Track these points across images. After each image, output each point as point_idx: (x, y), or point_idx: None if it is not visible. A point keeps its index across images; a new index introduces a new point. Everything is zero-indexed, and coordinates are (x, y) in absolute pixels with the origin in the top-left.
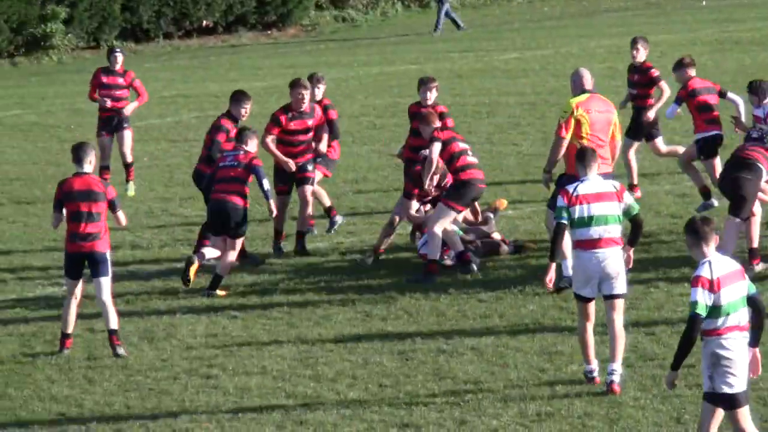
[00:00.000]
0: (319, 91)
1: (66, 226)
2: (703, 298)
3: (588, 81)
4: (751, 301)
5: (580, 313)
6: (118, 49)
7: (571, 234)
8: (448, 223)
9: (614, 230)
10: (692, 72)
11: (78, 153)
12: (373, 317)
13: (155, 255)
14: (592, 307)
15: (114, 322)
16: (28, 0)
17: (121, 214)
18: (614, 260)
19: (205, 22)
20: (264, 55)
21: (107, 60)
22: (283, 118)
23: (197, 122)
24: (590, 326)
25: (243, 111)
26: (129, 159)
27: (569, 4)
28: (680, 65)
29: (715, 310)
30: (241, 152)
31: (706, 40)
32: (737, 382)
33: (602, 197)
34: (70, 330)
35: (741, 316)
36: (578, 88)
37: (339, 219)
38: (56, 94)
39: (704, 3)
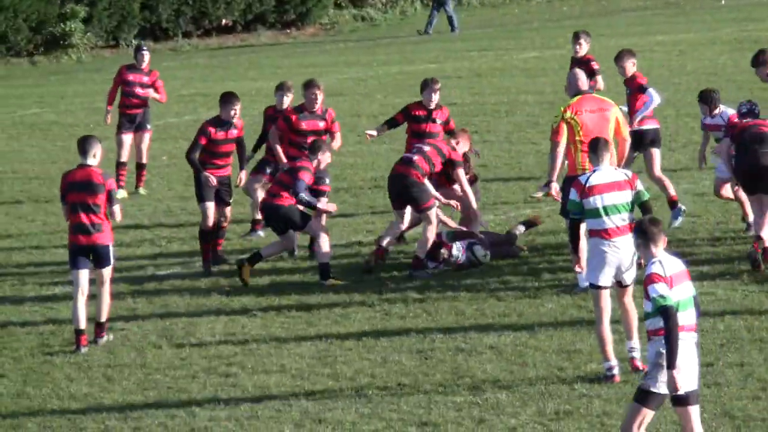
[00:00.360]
0: (287, 100)
1: (69, 219)
2: (666, 291)
3: (583, 82)
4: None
5: (596, 306)
6: (145, 48)
7: (586, 224)
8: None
9: (627, 218)
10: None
11: (83, 145)
12: (392, 316)
13: (174, 252)
14: (607, 297)
15: (104, 315)
16: (48, 0)
17: (116, 209)
18: (629, 248)
19: (224, 21)
20: (283, 54)
21: (134, 57)
22: (293, 118)
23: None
24: (607, 320)
25: (232, 113)
26: (144, 160)
27: (588, 4)
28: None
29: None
30: (300, 160)
31: (725, 39)
32: (685, 383)
33: (615, 186)
34: (82, 326)
35: (689, 315)
36: (573, 90)
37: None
38: (75, 93)
39: (723, 2)
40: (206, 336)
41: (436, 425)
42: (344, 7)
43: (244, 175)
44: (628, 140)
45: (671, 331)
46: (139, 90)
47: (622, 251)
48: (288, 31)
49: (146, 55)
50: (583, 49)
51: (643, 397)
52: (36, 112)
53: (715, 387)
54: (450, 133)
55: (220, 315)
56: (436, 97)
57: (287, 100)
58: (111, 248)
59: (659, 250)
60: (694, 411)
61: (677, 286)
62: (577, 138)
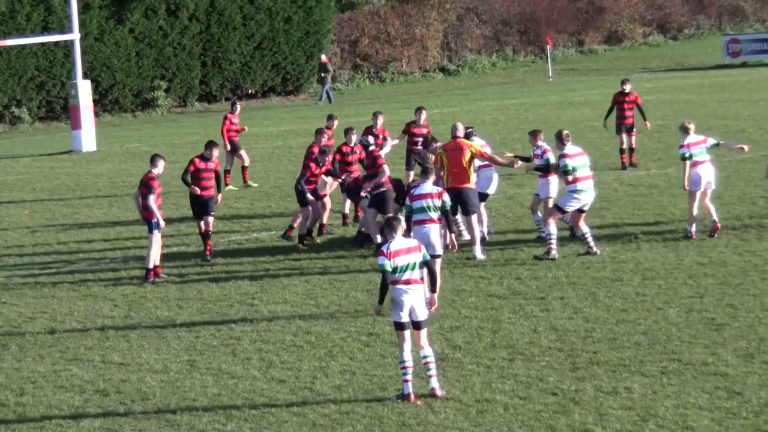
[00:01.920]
0: (353, 138)
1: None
2: (382, 258)
3: (459, 130)
4: (425, 264)
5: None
6: (237, 101)
7: (413, 217)
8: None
9: (435, 215)
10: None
11: (154, 159)
12: (351, 268)
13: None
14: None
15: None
16: (143, 77)
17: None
18: (436, 232)
19: (250, 90)
20: (285, 111)
21: (231, 107)
22: (345, 149)
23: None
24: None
25: (214, 155)
26: (246, 163)
27: (470, 79)
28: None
29: (395, 269)
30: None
31: (552, 102)
32: (404, 316)
33: (429, 195)
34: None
35: (411, 274)
36: (452, 135)
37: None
38: (160, 135)
39: (551, 79)
40: (239, 280)
41: (378, 335)
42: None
43: (220, 198)
44: (483, 162)
45: (383, 282)
46: (236, 127)
47: (431, 233)
48: (289, 97)
49: (238, 106)
50: (423, 117)
51: (396, 326)
52: (136, 145)
53: (545, 312)
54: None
55: (243, 272)
56: (423, 116)
57: (353, 138)
58: (152, 221)
59: (398, 234)
60: (424, 332)
61: (400, 257)
62: (445, 166)
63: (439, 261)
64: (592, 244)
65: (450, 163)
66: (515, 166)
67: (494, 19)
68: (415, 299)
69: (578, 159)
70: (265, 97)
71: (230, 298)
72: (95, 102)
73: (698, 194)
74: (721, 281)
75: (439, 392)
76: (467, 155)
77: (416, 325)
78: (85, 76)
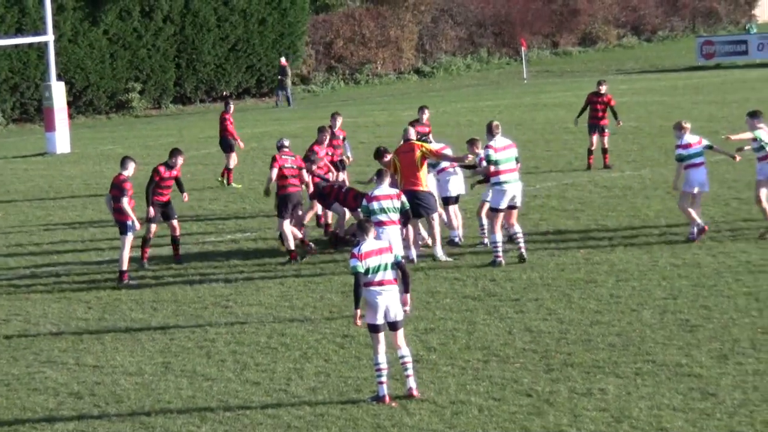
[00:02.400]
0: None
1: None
2: (353, 261)
3: (410, 134)
4: (398, 266)
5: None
6: (231, 102)
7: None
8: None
9: (394, 216)
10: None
11: (124, 162)
12: (325, 271)
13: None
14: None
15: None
16: (117, 78)
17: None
18: (396, 233)
19: (225, 92)
20: (260, 113)
21: (225, 107)
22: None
23: (218, 153)
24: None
25: (179, 162)
26: (231, 166)
27: (445, 81)
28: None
29: (367, 271)
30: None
31: (526, 103)
32: (379, 318)
33: (389, 197)
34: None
35: (384, 275)
36: (403, 138)
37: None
38: (134, 137)
39: (526, 81)
40: (214, 283)
41: (353, 337)
42: (296, 84)
43: (186, 196)
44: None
45: (355, 286)
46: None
47: (388, 232)
48: (264, 98)
49: (232, 106)
50: (426, 115)
51: (370, 328)
52: (110, 147)
53: (519, 314)
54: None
55: (218, 274)
56: (426, 115)
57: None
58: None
59: (370, 236)
60: (400, 333)
61: (370, 258)
62: (399, 169)
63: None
64: (521, 245)
65: (402, 166)
66: (479, 165)
67: (469, 21)
68: (389, 300)
69: (504, 152)
70: (240, 98)
71: (204, 300)
72: (69, 104)
73: (691, 195)
74: (695, 283)
75: (415, 392)
76: (417, 155)
77: (392, 326)
78: (59, 77)
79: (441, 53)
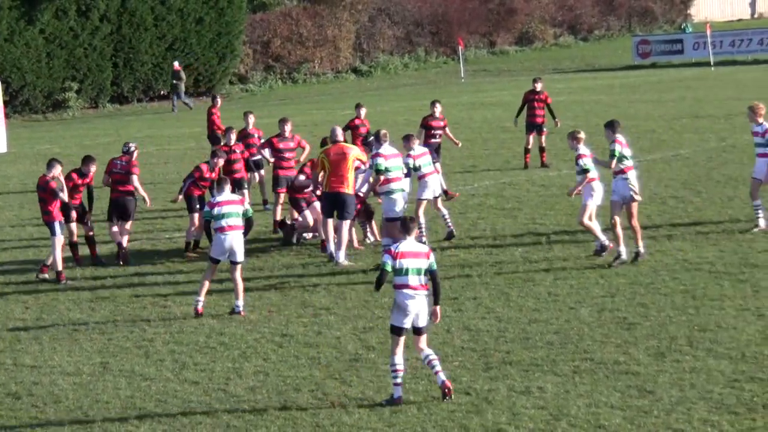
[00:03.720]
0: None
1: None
2: (387, 257)
3: (338, 135)
4: (431, 274)
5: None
6: (218, 96)
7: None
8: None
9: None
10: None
11: (50, 163)
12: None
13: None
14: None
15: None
16: (53, 78)
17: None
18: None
19: (162, 92)
20: (198, 112)
21: (212, 101)
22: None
23: (157, 152)
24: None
25: (91, 171)
26: None
27: (383, 80)
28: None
29: (398, 271)
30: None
31: (464, 102)
32: (407, 322)
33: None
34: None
35: (418, 280)
36: (332, 139)
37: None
38: (71, 136)
39: (463, 80)
40: (152, 282)
41: (292, 336)
42: (234, 84)
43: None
44: (361, 168)
45: (379, 280)
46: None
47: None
48: (201, 98)
49: (219, 101)
50: (438, 110)
51: (394, 330)
52: (47, 147)
53: (458, 312)
54: None
55: (156, 273)
56: (438, 109)
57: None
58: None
59: (411, 237)
60: (424, 337)
61: (406, 259)
62: (327, 169)
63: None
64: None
65: (332, 168)
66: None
67: (406, 20)
68: (420, 306)
69: (393, 160)
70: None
71: (143, 299)
72: (5, 103)
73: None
74: (632, 281)
75: (450, 386)
76: (350, 161)
77: (417, 331)
78: None
79: (378, 52)
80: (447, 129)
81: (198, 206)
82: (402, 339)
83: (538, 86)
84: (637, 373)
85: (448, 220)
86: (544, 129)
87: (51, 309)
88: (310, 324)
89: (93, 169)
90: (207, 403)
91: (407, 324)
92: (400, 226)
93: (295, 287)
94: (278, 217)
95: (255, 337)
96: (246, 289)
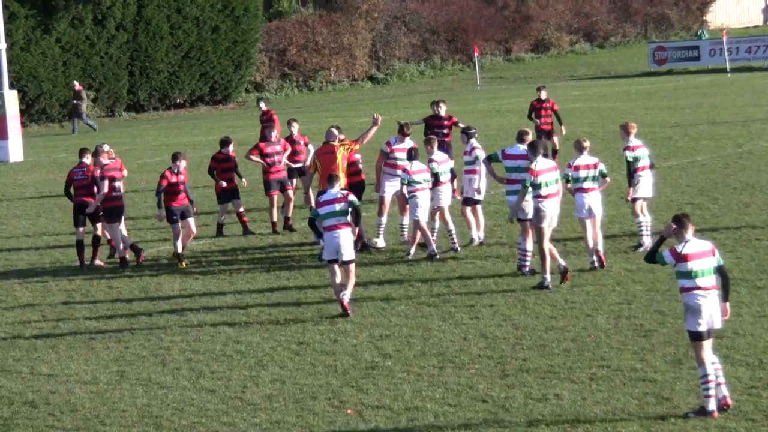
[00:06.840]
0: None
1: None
2: (669, 257)
3: (332, 135)
4: (719, 270)
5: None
6: (262, 98)
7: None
8: None
9: (344, 219)
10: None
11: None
12: (277, 285)
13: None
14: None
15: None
16: (70, 86)
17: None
18: (347, 238)
19: (178, 100)
20: (214, 120)
21: (256, 103)
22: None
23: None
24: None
25: (84, 170)
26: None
27: (399, 88)
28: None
29: (686, 274)
30: None
31: (480, 109)
32: (703, 324)
33: (334, 201)
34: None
35: (707, 280)
36: (326, 140)
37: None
38: (87, 144)
39: (479, 87)
40: (169, 290)
41: (308, 344)
42: (250, 92)
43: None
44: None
45: (651, 255)
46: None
47: (341, 238)
48: (217, 106)
49: (263, 104)
50: (443, 110)
51: (693, 335)
52: (64, 156)
53: (474, 320)
54: None
55: (173, 281)
56: (443, 108)
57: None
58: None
59: (689, 234)
60: (708, 343)
61: (695, 260)
62: (318, 168)
63: (353, 266)
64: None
65: (323, 167)
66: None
67: (422, 28)
68: (713, 306)
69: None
70: (194, 106)
71: (159, 307)
72: (22, 112)
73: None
74: (648, 288)
75: (729, 402)
76: (338, 156)
77: (708, 334)
78: (12, 86)
79: (394, 60)
80: (461, 123)
81: (175, 217)
82: (705, 344)
83: (543, 94)
84: (654, 380)
85: (454, 236)
86: (554, 134)
87: (67, 317)
88: (327, 332)
89: (87, 160)
90: (224, 411)
91: (704, 326)
92: (675, 222)
93: (311, 295)
94: (275, 219)
95: (272, 345)
96: (263, 298)
